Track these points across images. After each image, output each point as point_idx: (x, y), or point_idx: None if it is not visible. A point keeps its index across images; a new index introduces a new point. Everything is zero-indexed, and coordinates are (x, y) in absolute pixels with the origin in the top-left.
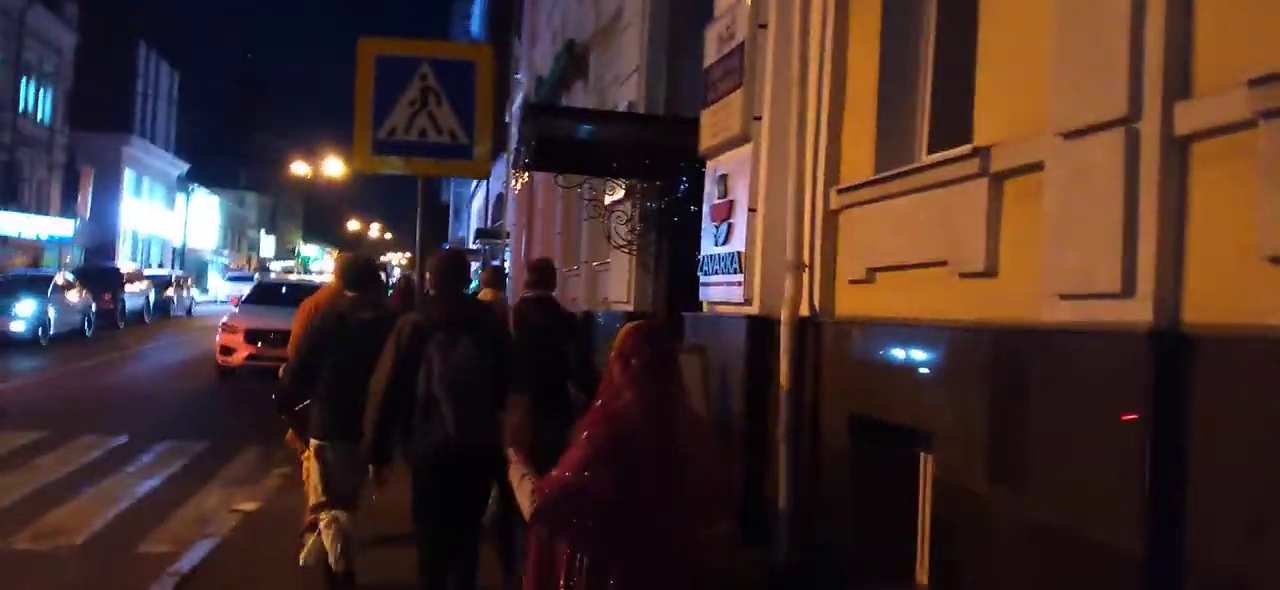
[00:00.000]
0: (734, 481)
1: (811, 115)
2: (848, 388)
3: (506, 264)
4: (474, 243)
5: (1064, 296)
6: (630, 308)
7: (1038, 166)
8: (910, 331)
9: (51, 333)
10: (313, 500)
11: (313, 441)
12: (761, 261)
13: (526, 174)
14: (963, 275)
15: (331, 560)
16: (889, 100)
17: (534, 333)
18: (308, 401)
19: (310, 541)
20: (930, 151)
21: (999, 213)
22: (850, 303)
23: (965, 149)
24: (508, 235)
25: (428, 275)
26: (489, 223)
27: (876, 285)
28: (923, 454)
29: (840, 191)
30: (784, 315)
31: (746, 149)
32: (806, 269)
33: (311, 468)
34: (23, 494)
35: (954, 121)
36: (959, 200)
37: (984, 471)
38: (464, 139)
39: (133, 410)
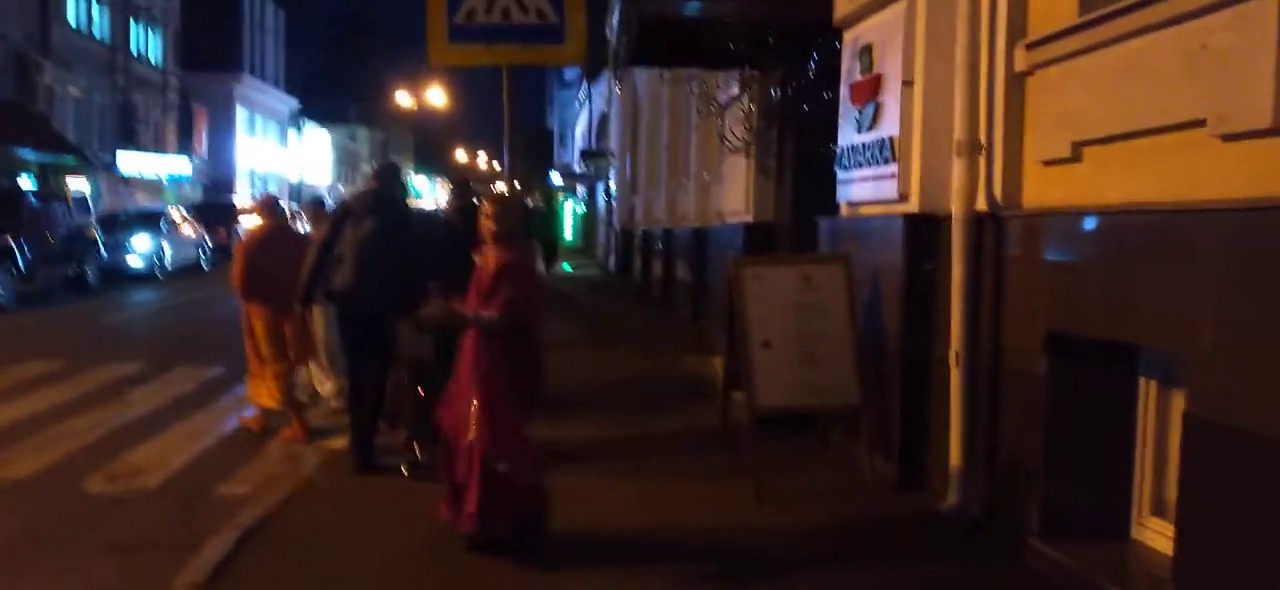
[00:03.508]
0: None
1: None
2: (1044, 298)
3: (612, 185)
4: (578, 166)
5: None
6: (749, 219)
7: None
8: (1139, 221)
9: (168, 267)
10: None
11: None
12: (920, 146)
13: (629, 71)
14: (1228, 137)
15: None
16: None
17: None
18: None
19: None
20: None
21: None
22: (1045, 190)
23: None
24: (612, 155)
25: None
26: (593, 144)
27: (1084, 164)
28: (1144, 379)
29: (1029, 46)
30: (955, 210)
31: (898, 7)
32: (983, 151)
33: None
34: (109, 429)
35: None
36: (1222, 31)
37: (1260, 400)
38: (553, 18)
39: (236, 341)
